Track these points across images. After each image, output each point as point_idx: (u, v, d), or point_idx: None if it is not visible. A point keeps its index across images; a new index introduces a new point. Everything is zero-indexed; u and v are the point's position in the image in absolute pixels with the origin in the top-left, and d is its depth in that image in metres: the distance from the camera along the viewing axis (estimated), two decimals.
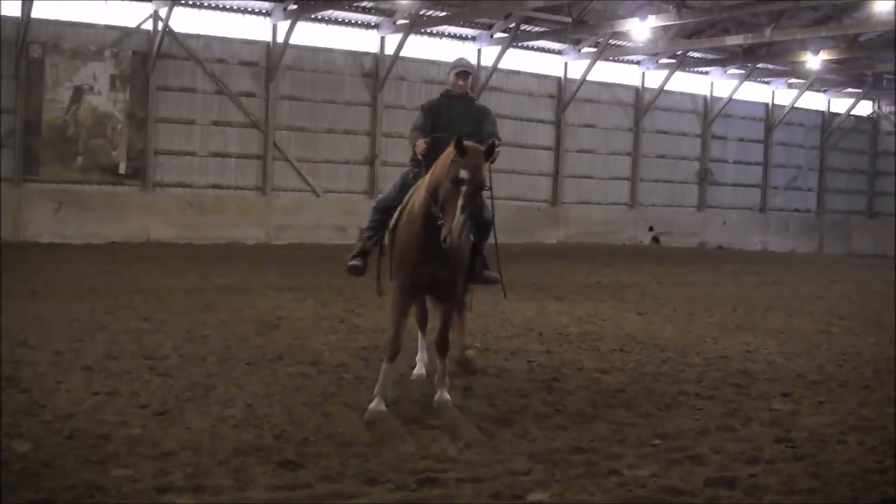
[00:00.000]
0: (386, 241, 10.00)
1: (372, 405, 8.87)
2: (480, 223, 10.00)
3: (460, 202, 8.40)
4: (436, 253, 8.71)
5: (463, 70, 10.47)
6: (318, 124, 34.34)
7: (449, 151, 8.71)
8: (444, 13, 34.31)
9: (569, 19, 35.43)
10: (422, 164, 9.72)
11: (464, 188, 8.44)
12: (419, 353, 10.89)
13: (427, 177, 9.13)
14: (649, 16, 32.84)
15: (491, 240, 10.44)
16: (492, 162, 9.10)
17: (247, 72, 33.12)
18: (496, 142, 9.22)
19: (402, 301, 9.41)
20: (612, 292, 20.85)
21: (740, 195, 47.35)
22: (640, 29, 33.88)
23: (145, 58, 30.99)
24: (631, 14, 34.37)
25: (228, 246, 30.28)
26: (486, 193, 9.28)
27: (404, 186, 10.00)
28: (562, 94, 40.50)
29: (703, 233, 45.36)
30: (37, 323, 13.54)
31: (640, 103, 42.84)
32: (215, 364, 11.07)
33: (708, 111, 45.30)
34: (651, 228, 43.66)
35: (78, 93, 30.05)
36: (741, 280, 25.47)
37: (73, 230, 29.53)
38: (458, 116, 10.19)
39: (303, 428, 8.34)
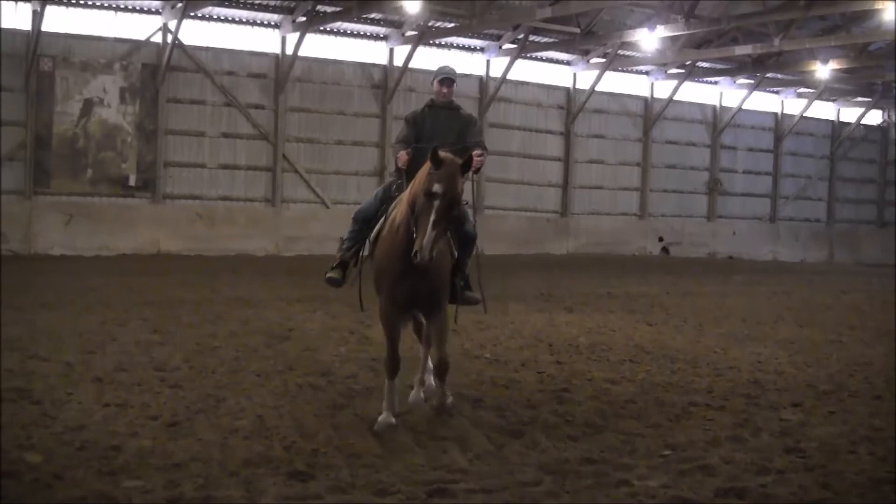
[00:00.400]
0: (366, 252, 9.76)
1: (381, 417, 8.90)
2: (463, 238, 9.76)
3: (432, 217, 8.22)
4: (415, 266, 8.45)
5: (446, 77, 10.24)
6: (327, 136, 34.38)
7: (427, 165, 8.55)
8: (452, 24, 34.35)
9: (577, 30, 35.48)
10: (404, 175, 9.56)
11: (437, 202, 8.26)
12: (419, 374, 10.27)
13: (408, 189, 8.96)
14: (658, 26, 32.85)
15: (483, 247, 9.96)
16: (475, 172, 9.11)
17: (256, 84, 33.18)
18: (479, 152, 9.25)
19: (390, 315, 9.15)
20: (622, 303, 20.84)
21: (750, 205, 47.27)
22: (649, 39, 33.88)
23: (155, 70, 31.07)
24: (639, 24, 34.42)
25: (238, 258, 30.30)
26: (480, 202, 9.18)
27: (386, 198, 9.76)
28: (571, 104, 40.49)
29: (712, 243, 45.27)
30: (47, 335, 13.57)
31: (650, 114, 42.82)
32: (225, 375, 11.09)
33: (717, 121, 45.25)
34: (661, 239, 43.61)
35: (88, 105, 30.13)
36: (751, 290, 25.44)
37: (83, 242, 29.58)
38: (443, 126, 9.97)
39: (313, 439, 8.35)
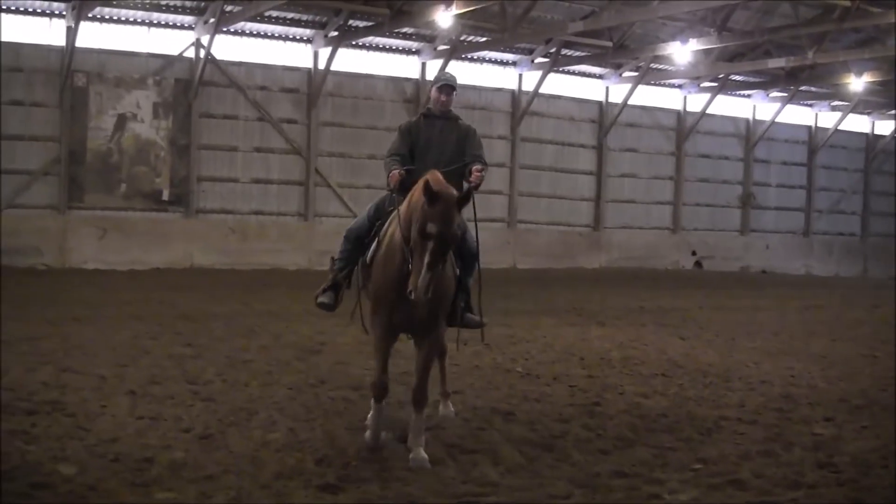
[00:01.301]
0: (360, 276, 9.25)
1: (367, 434, 8.72)
2: (465, 256, 9.06)
3: (427, 259, 7.65)
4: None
5: (446, 84, 9.39)
6: (359, 150, 34.43)
7: (419, 189, 7.95)
8: (484, 38, 34.40)
9: (610, 44, 35.44)
10: (395, 193, 8.83)
11: (431, 243, 7.68)
12: (440, 387, 10.13)
13: (404, 206, 8.39)
14: (690, 39, 32.76)
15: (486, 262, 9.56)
16: (475, 188, 8.62)
17: (288, 98, 33.32)
18: (479, 167, 8.83)
19: (384, 340, 8.66)
20: (654, 317, 20.77)
21: (783, 219, 47.02)
22: (682, 52, 33.77)
23: (188, 85, 31.25)
24: (672, 38, 34.34)
25: (270, 272, 30.39)
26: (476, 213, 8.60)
27: (378, 215, 9.19)
28: (603, 118, 40.43)
29: (745, 257, 45.05)
30: (81, 348, 13.67)
31: (682, 127, 42.69)
32: (257, 389, 11.14)
33: (750, 134, 45.06)
34: (693, 253, 43.43)
35: (121, 120, 30.33)
36: (784, 305, 25.28)
37: (116, 257, 29.74)
38: (439, 137, 9.27)
39: (344, 452, 8.37)
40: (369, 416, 8.88)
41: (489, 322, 10.05)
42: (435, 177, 8.05)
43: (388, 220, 8.80)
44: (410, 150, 9.22)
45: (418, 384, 8.69)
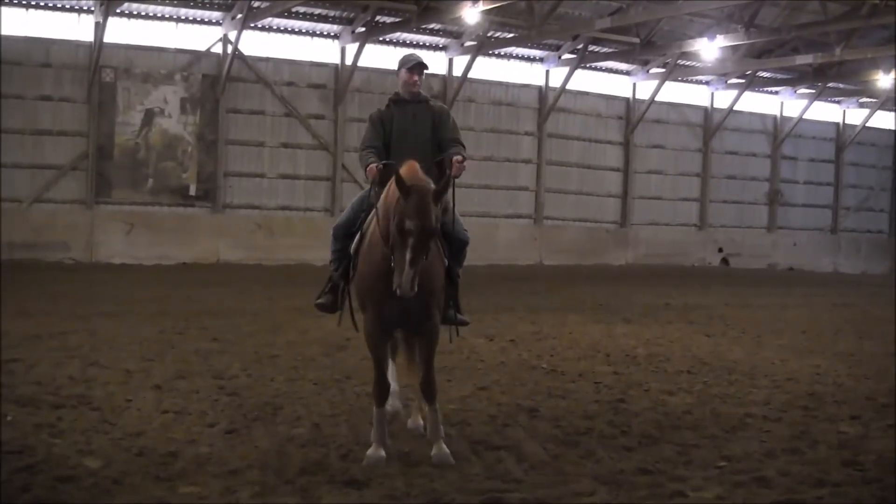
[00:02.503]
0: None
1: (370, 452, 8.08)
2: (453, 244, 8.70)
3: (408, 255, 7.45)
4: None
5: (418, 63, 8.90)
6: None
7: (394, 183, 7.74)
8: (511, 35, 34.40)
9: (637, 40, 35.35)
10: (376, 188, 8.42)
11: (411, 240, 7.46)
12: (391, 384, 9.03)
13: (381, 202, 8.13)
14: (718, 36, 32.62)
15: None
16: (456, 177, 8.27)
17: (315, 94, 33.39)
18: (459, 157, 8.46)
19: (375, 335, 8.36)
20: (680, 314, 20.71)
21: (811, 216, 46.84)
22: (709, 49, 33.64)
23: (215, 81, 31.37)
24: (699, 34, 34.25)
25: (297, 267, 30.43)
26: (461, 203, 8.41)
27: (362, 209, 8.81)
28: (630, 114, 40.38)
29: (772, 254, 44.91)
30: (108, 343, 13.74)
31: (709, 124, 42.56)
32: (283, 384, 11.16)
33: (778, 131, 44.89)
34: (720, 250, 43.32)
35: (149, 116, 30.48)
36: (811, 302, 25.16)
37: (143, 252, 29.90)
38: (412, 123, 8.83)
39: (369, 448, 8.36)
40: (373, 430, 8.33)
41: (473, 320, 9.86)
42: (409, 168, 7.84)
43: (370, 216, 8.47)
44: (385, 140, 8.84)
45: (425, 377, 8.42)
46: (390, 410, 8.85)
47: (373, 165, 8.45)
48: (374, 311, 8.25)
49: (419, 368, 8.60)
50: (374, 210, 8.32)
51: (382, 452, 8.07)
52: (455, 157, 8.46)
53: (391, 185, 7.82)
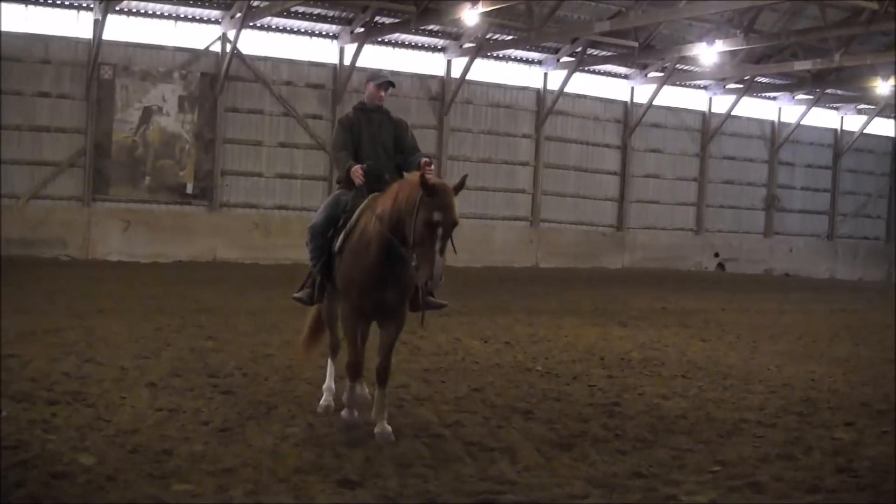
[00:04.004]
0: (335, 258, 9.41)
1: (343, 413, 9.15)
2: None
3: (437, 245, 8.09)
4: (389, 280, 8.68)
5: (387, 81, 9.90)
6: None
7: (408, 184, 8.53)
8: (510, 37, 34.43)
9: (635, 44, 35.38)
10: (361, 188, 9.23)
11: (440, 230, 8.10)
12: (327, 381, 10.17)
13: (377, 204, 8.84)
14: (717, 40, 32.65)
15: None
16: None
17: (314, 94, 33.40)
18: (427, 160, 9.14)
19: (354, 322, 9.14)
20: (676, 318, 20.72)
21: (808, 222, 46.89)
22: (708, 54, 33.68)
23: (213, 79, 31.38)
24: (698, 39, 34.26)
25: (293, 267, 30.29)
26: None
27: (341, 208, 9.45)
28: (628, 118, 40.41)
29: (769, 260, 44.94)
30: (104, 340, 13.73)
31: (707, 128, 42.60)
32: (278, 383, 11.18)
33: (775, 137, 44.93)
34: (717, 254, 43.35)
35: (147, 114, 30.49)
36: (807, 308, 25.18)
37: (140, 249, 29.90)
38: (378, 131, 9.74)
39: (363, 447, 8.38)
40: (344, 396, 9.24)
41: (468, 322, 10.20)
42: (422, 173, 8.47)
43: (358, 212, 9.09)
44: (354, 143, 9.64)
45: (382, 362, 9.12)
46: (323, 405, 9.88)
47: (358, 167, 9.25)
48: (356, 302, 8.96)
49: (379, 353, 9.22)
50: (359, 210, 9.08)
51: (356, 415, 9.07)
52: (424, 160, 9.15)
53: (402, 189, 8.50)
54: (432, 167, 9.04)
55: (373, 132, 9.69)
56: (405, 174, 9.45)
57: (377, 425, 8.83)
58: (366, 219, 8.91)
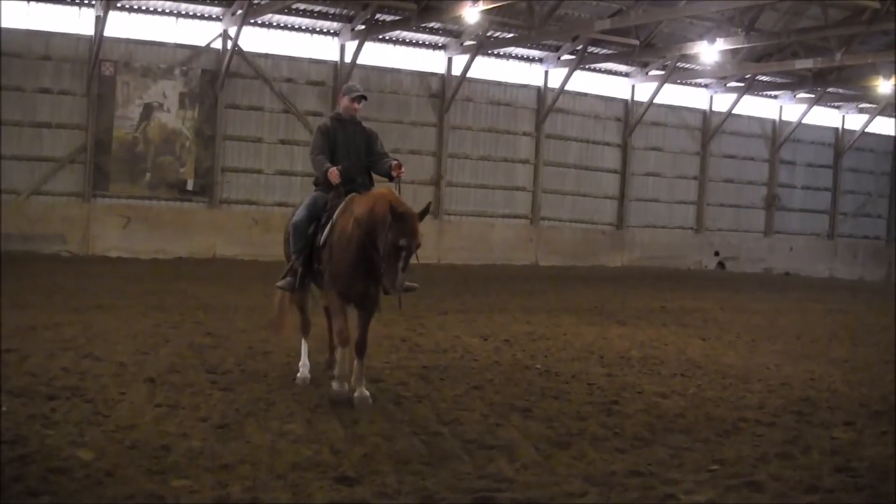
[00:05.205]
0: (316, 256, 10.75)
1: (334, 385, 10.21)
2: None
3: (401, 264, 9.49)
4: (367, 274, 9.98)
5: (360, 95, 11.27)
6: (384, 144, 34.28)
7: (377, 198, 9.96)
8: (511, 35, 34.41)
9: (636, 42, 35.34)
10: (338, 188, 10.66)
11: (404, 253, 9.47)
12: (302, 358, 11.41)
13: (355, 206, 10.20)
14: (717, 39, 32.65)
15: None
16: (399, 178, 10.80)
17: (314, 91, 33.38)
18: (397, 162, 10.91)
19: (341, 307, 10.39)
20: (676, 317, 20.72)
21: (808, 221, 46.87)
22: (709, 52, 33.67)
23: (214, 76, 31.37)
24: (699, 37, 34.26)
25: None
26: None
27: (321, 207, 10.83)
28: (628, 116, 40.38)
29: (769, 259, 44.93)
30: (103, 336, 13.74)
31: (708, 127, 42.58)
32: (276, 380, 11.18)
33: (776, 136, 44.91)
34: (717, 253, 43.35)
35: (148, 110, 30.48)
36: (807, 308, 25.15)
37: (140, 245, 29.91)
38: (352, 139, 11.14)
39: (361, 444, 8.39)
40: (336, 366, 10.34)
41: (467, 319, 10.42)
42: (394, 197, 9.85)
43: (338, 212, 10.47)
44: (331, 149, 11.04)
45: (360, 338, 10.39)
46: (300, 377, 11.20)
47: (334, 169, 10.68)
48: (342, 290, 10.33)
49: (357, 330, 10.45)
50: (339, 209, 10.46)
51: (346, 387, 10.15)
52: (395, 163, 10.91)
53: (376, 204, 9.83)
54: (403, 170, 10.83)
55: (347, 139, 11.11)
56: (381, 176, 11.20)
57: (356, 391, 10.09)
58: (346, 219, 10.22)
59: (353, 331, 10.51)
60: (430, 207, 10.32)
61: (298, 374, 11.22)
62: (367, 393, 10.12)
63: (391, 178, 10.95)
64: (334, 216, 10.46)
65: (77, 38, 29.29)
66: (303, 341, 11.63)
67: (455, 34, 34.80)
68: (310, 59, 33.36)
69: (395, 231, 9.44)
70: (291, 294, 11.40)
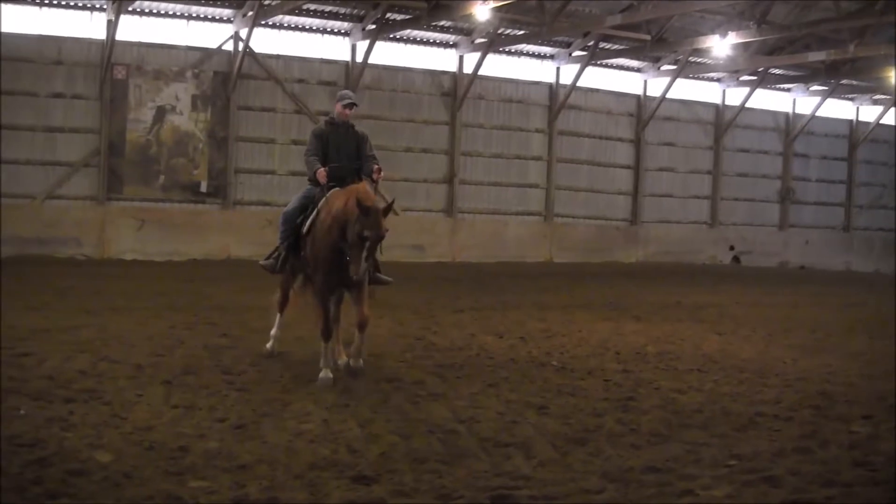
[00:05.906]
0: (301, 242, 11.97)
1: (321, 374, 11.03)
2: None
3: (364, 254, 10.54)
4: (345, 258, 10.78)
5: (351, 102, 12.36)
6: (396, 143, 34.40)
7: (350, 192, 10.93)
8: (522, 32, 34.36)
9: (648, 37, 35.24)
10: (324, 188, 11.62)
11: (367, 243, 10.53)
12: (274, 330, 12.92)
13: (335, 200, 11.24)
14: (729, 33, 32.49)
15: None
16: (378, 181, 11.89)
17: (326, 91, 33.34)
18: (377, 167, 11.90)
19: (324, 293, 11.46)
20: (691, 312, 20.68)
21: (823, 214, 46.72)
22: (721, 46, 33.53)
23: (226, 78, 31.40)
24: (711, 31, 34.12)
25: None
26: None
27: (309, 201, 11.98)
28: (641, 112, 40.30)
29: (784, 252, 44.81)
30: (118, 338, 13.77)
31: (721, 121, 42.48)
32: (292, 380, 11.19)
33: (790, 129, 44.76)
34: (731, 248, 43.25)
35: (160, 113, 30.55)
36: (822, 301, 25.07)
37: (154, 247, 29.97)
38: (343, 141, 12.17)
39: (378, 443, 8.40)
40: (322, 359, 11.21)
41: (482, 317, 10.42)
42: (364, 191, 10.93)
43: (321, 204, 11.54)
44: (324, 150, 12.03)
45: (360, 313, 11.29)
46: (268, 348, 12.79)
47: (323, 170, 11.66)
48: (324, 276, 11.36)
49: (355, 307, 11.42)
50: (321, 204, 11.52)
51: (330, 374, 11.03)
52: (376, 167, 11.92)
53: (349, 198, 10.81)
54: (382, 174, 11.95)
55: (338, 142, 12.13)
56: (363, 177, 11.97)
57: (352, 361, 11.49)
58: (326, 211, 11.29)
59: (352, 334, 11.60)
60: (394, 204, 11.58)
61: (267, 345, 12.82)
62: (361, 362, 11.42)
63: (373, 181, 11.82)
64: (318, 208, 11.58)
65: (89, 43, 29.37)
66: (277, 316, 12.98)
67: (466, 32, 34.79)
68: (321, 59, 33.38)
69: (360, 223, 10.45)
70: (294, 281, 12.82)
